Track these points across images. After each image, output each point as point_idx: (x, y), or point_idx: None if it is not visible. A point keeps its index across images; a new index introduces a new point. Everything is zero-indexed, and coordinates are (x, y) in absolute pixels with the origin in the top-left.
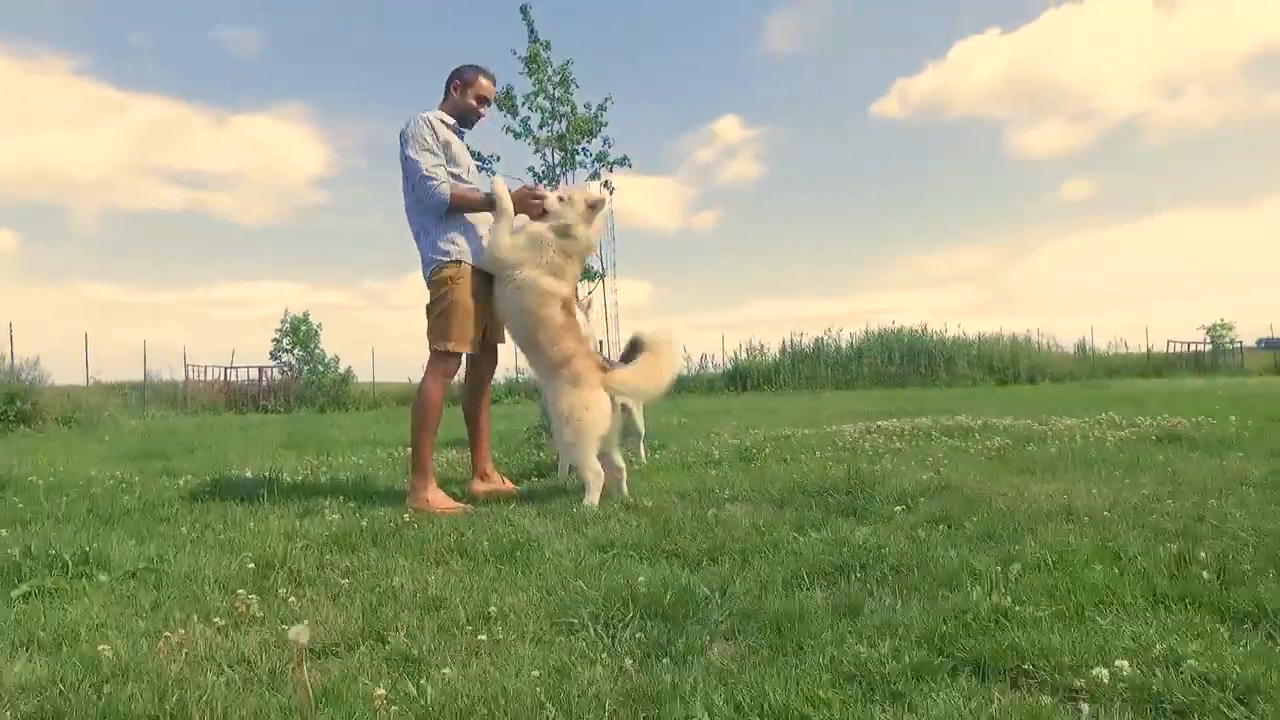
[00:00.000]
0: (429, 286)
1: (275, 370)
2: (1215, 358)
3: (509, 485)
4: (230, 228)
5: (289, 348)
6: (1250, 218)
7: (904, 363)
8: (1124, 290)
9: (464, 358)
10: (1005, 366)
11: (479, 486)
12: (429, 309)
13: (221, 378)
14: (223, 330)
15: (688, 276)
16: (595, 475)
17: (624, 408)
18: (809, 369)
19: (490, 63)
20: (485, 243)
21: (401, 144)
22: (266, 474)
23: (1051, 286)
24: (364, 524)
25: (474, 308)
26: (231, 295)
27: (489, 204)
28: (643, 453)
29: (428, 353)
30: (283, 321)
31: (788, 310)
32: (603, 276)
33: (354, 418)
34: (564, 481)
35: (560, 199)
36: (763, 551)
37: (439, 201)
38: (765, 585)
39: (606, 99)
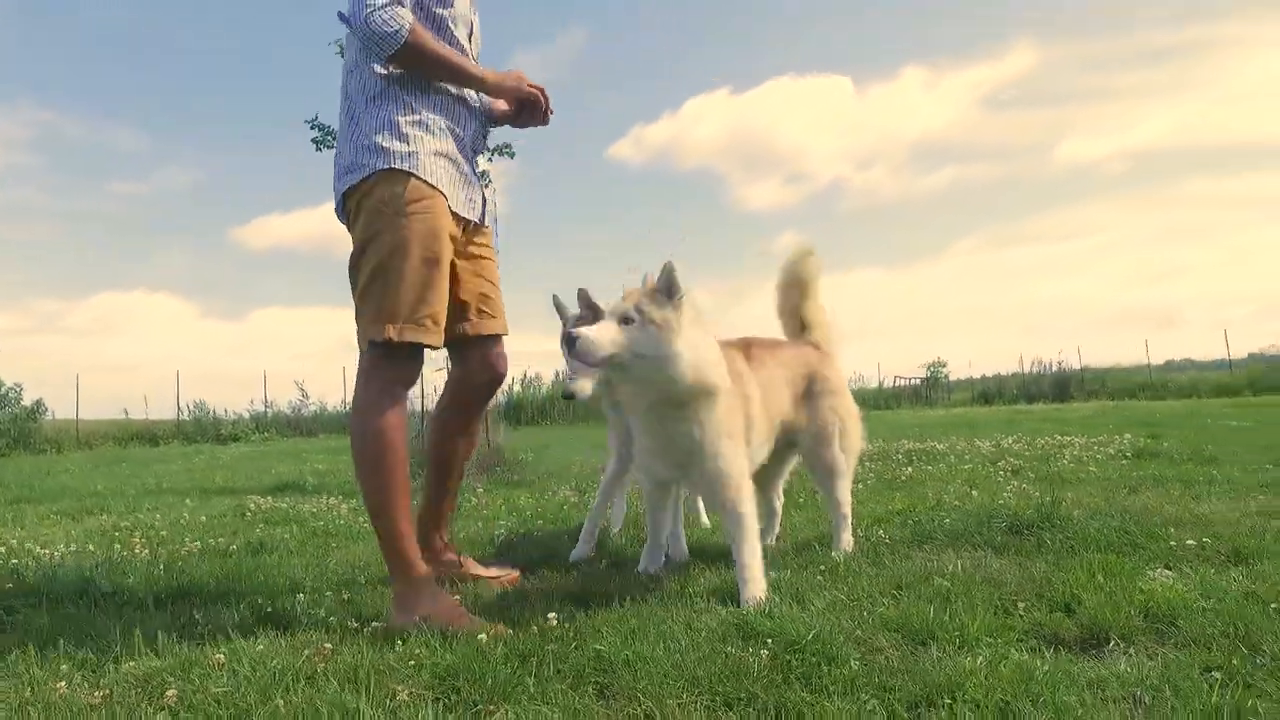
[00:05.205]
0: (347, 219)
1: None
2: (931, 391)
3: (495, 571)
4: None
5: None
6: (916, 275)
7: None
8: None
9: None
10: None
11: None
12: (353, 265)
13: None
14: None
15: None
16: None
17: None
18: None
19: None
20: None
21: None
22: (99, 561)
23: (766, 328)
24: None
25: (439, 262)
26: None
27: (481, 85)
28: None
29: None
30: None
31: (522, 345)
32: None
33: (67, 461)
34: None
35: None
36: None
37: (381, 35)
38: None
39: None
